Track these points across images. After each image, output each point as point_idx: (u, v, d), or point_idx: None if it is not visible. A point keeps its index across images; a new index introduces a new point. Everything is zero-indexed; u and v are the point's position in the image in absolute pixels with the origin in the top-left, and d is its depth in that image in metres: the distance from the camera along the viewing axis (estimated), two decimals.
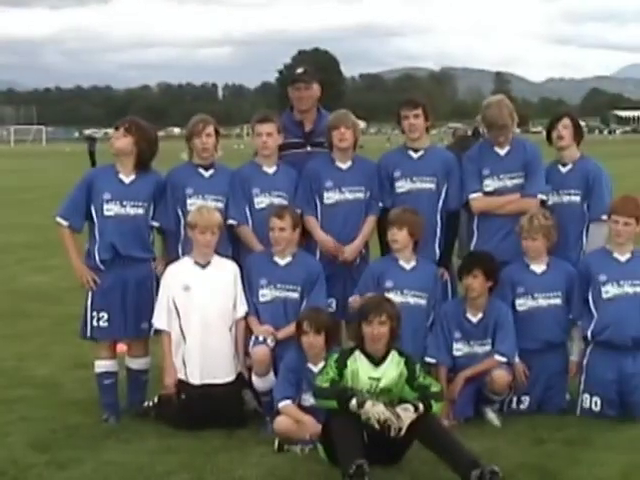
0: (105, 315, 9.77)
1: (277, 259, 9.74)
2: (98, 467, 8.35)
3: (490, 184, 10.20)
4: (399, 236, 9.65)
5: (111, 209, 9.74)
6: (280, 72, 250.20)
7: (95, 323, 9.81)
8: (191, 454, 8.63)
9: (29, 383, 11.23)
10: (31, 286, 18.61)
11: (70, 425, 9.58)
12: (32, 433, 9.32)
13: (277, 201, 10.08)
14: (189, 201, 9.97)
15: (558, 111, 11.51)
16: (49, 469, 8.31)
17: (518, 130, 10.70)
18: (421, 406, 8.10)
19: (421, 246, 9.95)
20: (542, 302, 9.84)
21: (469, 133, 20.00)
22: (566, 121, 10.26)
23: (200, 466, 8.30)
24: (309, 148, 10.64)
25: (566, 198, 10.24)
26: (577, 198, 10.21)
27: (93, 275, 9.76)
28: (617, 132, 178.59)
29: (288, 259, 9.74)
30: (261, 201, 10.11)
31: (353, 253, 10.10)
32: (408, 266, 9.83)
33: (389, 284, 9.70)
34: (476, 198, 10.22)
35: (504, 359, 9.52)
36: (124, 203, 9.77)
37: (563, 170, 10.32)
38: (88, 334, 9.89)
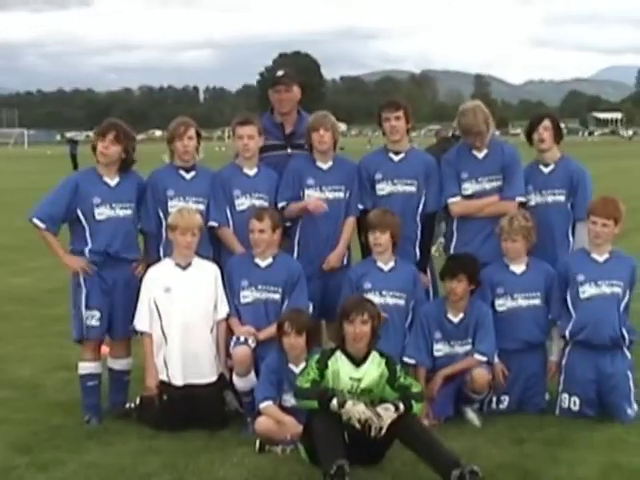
0: (97, 314, 9.73)
1: (258, 261, 9.73)
2: (79, 469, 8.32)
3: (469, 187, 10.21)
4: (382, 239, 9.68)
5: (102, 212, 9.72)
6: (261, 75, 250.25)
7: (88, 322, 9.75)
8: (173, 455, 8.61)
9: (11, 385, 11.17)
10: (12, 288, 18.49)
11: (52, 426, 9.54)
12: (14, 435, 9.28)
13: (258, 203, 10.08)
14: (170, 203, 9.95)
15: (538, 112, 11.49)
16: (30, 471, 8.28)
17: (498, 132, 10.71)
18: (402, 406, 8.13)
19: (401, 249, 9.98)
20: (522, 302, 9.85)
21: (450, 135, 20.03)
22: (546, 122, 10.25)
23: (182, 467, 8.29)
24: (289, 150, 10.63)
25: (550, 198, 10.25)
26: (562, 197, 10.22)
27: (88, 264, 9.69)
28: (595, 134, 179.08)
29: (269, 260, 9.74)
30: (242, 203, 10.10)
31: (338, 259, 10.15)
32: (386, 267, 9.85)
33: (367, 285, 9.71)
34: (455, 202, 10.24)
35: (484, 358, 9.55)
36: (113, 205, 9.76)
37: (545, 170, 10.32)
38: (84, 333, 9.80)
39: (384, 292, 9.70)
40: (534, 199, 10.28)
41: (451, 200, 10.23)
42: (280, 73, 10.81)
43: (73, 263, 9.74)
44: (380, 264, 9.84)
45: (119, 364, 10.07)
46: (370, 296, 9.40)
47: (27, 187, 46.40)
